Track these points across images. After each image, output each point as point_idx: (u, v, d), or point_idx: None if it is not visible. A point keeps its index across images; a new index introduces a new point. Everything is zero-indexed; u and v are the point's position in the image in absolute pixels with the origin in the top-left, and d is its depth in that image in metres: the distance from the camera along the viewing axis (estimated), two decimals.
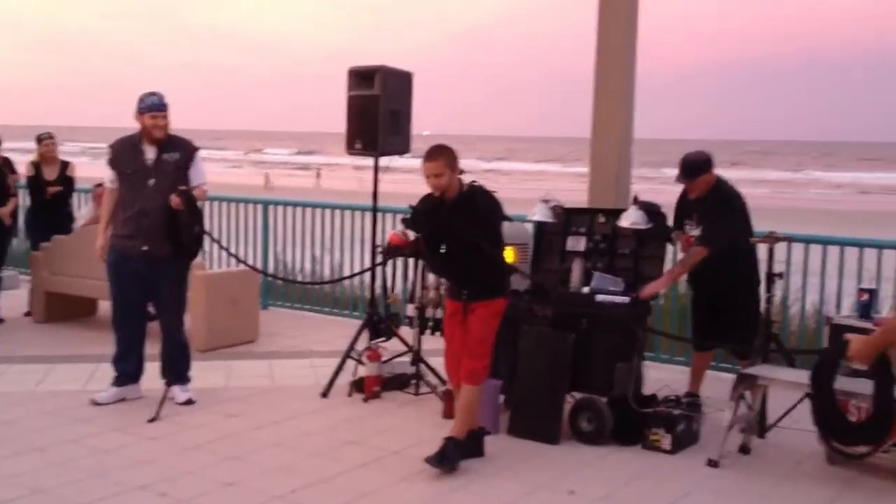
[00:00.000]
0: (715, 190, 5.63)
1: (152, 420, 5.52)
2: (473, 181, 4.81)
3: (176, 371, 5.96)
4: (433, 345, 6.72)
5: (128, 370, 5.95)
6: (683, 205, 5.80)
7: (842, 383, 4.47)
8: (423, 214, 4.83)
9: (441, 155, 4.70)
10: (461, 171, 4.78)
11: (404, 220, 6.40)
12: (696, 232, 5.64)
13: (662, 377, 6.11)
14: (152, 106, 5.68)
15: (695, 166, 5.59)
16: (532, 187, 36.32)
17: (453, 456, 4.71)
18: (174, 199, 5.57)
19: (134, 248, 5.70)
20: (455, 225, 4.65)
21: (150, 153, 5.73)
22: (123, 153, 5.80)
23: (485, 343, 4.84)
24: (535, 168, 62.24)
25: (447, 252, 4.81)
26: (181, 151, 5.80)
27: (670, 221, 5.86)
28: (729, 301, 5.60)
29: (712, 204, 5.56)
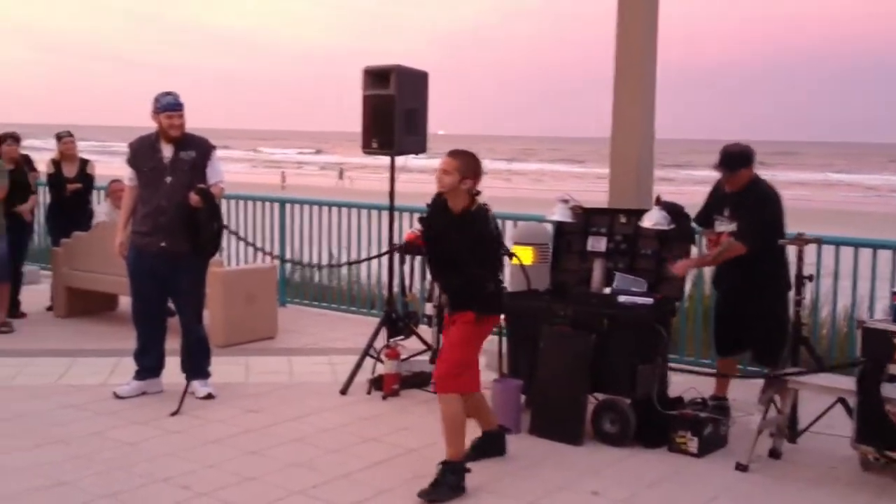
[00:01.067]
0: (754, 185, 5.53)
1: (174, 413, 5.53)
2: (484, 204, 4.60)
3: (196, 366, 5.97)
4: None
5: (149, 365, 5.97)
6: (716, 198, 5.70)
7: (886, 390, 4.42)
8: (429, 216, 4.76)
9: (460, 157, 4.56)
10: (476, 192, 4.56)
11: (421, 219, 6.40)
12: (726, 227, 5.56)
13: (689, 379, 6.06)
14: (168, 105, 5.74)
15: (737, 158, 5.48)
16: (546, 188, 36.38)
17: (447, 482, 4.38)
18: (192, 197, 5.62)
19: (152, 245, 5.73)
20: (449, 237, 4.56)
21: (167, 151, 5.79)
22: (141, 152, 5.85)
23: (453, 349, 4.60)
24: (549, 168, 62.20)
25: (437, 260, 4.75)
26: (197, 150, 5.85)
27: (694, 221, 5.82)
28: (756, 304, 5.48)
29: (754, 200, 5.45)
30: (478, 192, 4.56)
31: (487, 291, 4.57)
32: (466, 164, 4.52)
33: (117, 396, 5.83)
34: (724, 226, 5.57)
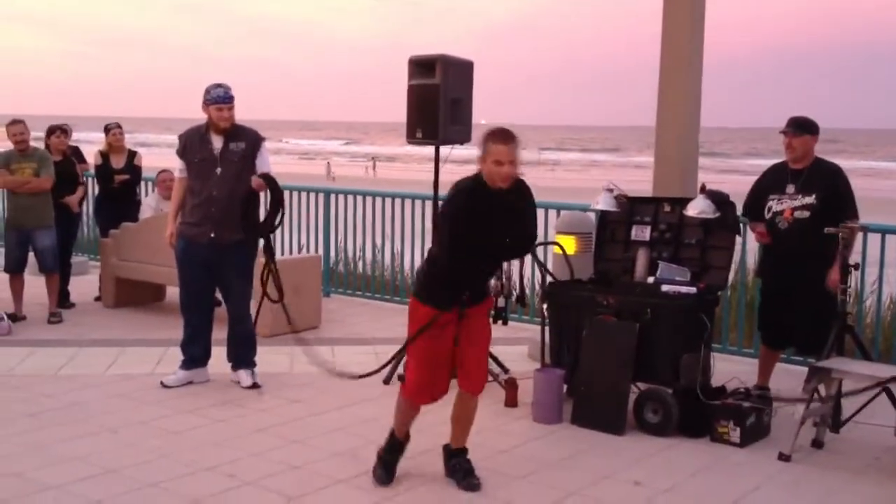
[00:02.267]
0: (823, 162, 5.55)
1: (252, 387, 5.88)
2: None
3: (242, 356, 6.06)
4: (495, 333, 6.69)
5: (195, 354, 6.06)
6: (773, 180, 5.64)
7: None
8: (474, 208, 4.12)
9: (516, 139, 4.08)
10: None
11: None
12: (786, 204, 5.49)
13: (731, 369, 6.01)
14: (218, 98, 5.80)
15: (803, 124, 5.52)
16: (589, 177, 36.19)
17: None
18: (256, 181, 5.68)
19: (202, 236, 5.81)
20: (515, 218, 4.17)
21: (217, 143, 5.84)
22: (191, 143, 5.90)
23: (487, 346, 4.53)
24: (592, 157, 61.80)
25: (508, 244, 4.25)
26: (247, 141, 5.89)
27: (740, 210, 5.75)
28: (815, 297, 5.37)
29: (833, 176, 5.45)
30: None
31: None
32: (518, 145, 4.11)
33: (164, 386, 5.92)
34: (788, 203, 5.49)
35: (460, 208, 4.12)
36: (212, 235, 5.80)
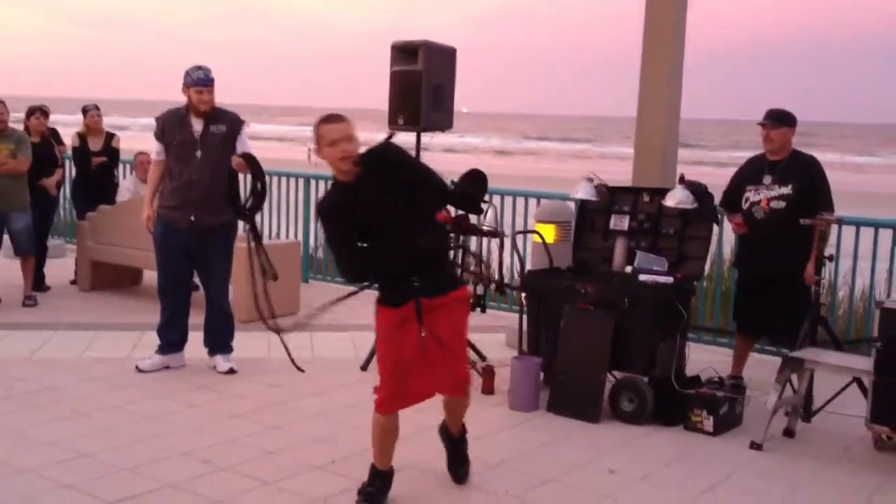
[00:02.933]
0: (800, 154, 5.61)
1: (229, 372, 5.88)
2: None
3: (219, 341, 6.04)
4: (473, 321, 6.70)
5: (172, 339, 6.03)
6: (750, 171, 5.70)
7: None
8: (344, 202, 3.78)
9: (344, 119, 3.76)
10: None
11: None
12: (762, 195, 5.53)
13: (706, 358, 6.04)
14: (198, 80, 5.75)
15: (782, 115, 5.56)
16: (568, 166, 36.23)
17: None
18: (236, 160, 5.59)
19: (182, 220, 5.77)
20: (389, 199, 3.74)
21: (197, 126, 5.80)
22: (170, 126, 5.85)
23: (463, 340, 4.13)
24: (570, 147, 61.92)
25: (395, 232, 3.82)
26: (227, 124, 5.85)
27: (718, 201, 5.79)
28: (791, 288, 5.41)
29: (809, 167, 5.52)
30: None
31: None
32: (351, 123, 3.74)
33: (140, 370, 5.89)
34: (764, 193, 5.54)
35: (326, 215, 3.84)
36: (192, 219, 5.76)
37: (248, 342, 6.56)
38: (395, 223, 3.76)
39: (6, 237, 7.86)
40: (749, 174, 5.70)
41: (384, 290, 3.94)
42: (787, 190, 5.46)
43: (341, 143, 3.69)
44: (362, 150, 3.76)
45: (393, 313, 3.87)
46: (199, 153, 5.75)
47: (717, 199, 5.86)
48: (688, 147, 51.07)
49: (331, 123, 3.72)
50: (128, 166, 9.65)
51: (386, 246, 3.79)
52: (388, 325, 3.89)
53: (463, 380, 4.04)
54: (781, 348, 5.99)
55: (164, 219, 5.87)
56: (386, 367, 3.92)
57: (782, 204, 5.46)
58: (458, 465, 4.33)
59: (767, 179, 5.55)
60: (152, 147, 6.03)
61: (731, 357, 5.99)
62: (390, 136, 4.10)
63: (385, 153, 3.80)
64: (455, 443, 4.35)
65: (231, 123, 5.86)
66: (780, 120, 5.54)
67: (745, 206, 5.62)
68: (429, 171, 3.91)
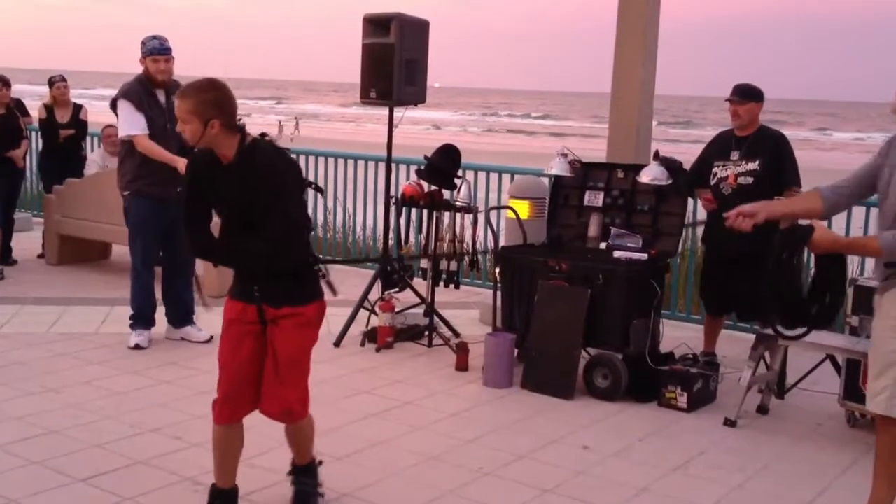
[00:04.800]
0: (767, 129, 5.62)
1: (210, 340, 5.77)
2: (264, 134, 3.53)
3: (189, 311, 6.06)
4: (447, 297, 6.69)
5: (150, 314, 5.98)
6: (718, 146, 5.69)
7: None
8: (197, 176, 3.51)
9: (190, 97, 3.32)
10: (240, 121, 3.44)
11: (418, 171, 6.35)
12: (730, 170, 5.52)
13: (680, 335, 6.06)
14: (153, 49, 5.69)
15: (749, 90, 5.55)
16: (543, 142, 36.29)
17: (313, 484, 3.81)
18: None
19: (169, 192, 5.56)
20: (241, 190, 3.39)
21: (161, 97, 5.74)
22: (144, 98, 5.74)
23: (302, 363, 3.61)
24: (547, 123, 61.94)
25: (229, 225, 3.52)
26: None
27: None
28: (754, 259, 5.44)
29: (776, 143, 5.53)
30: (242, 125, 3.44)
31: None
32: (202, 102, 3.30)
33: (139, 347, 5.81)
34: (732, 169, 5.53)
35: (189, 166, 3.59)
36: (179, 190, 5.67)
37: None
38: (235, 219, 3.45)
39: None
40: (717, 150, 5.70)
41: (234, 280, 3.60)
42: (754, 165, 5.47)
43: (182, 122, 3.33)
44: (253, 137, 3.42)
45: (234, 305, 3.52)
46: (169, 126, 5.64)
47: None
48: (665, 124, 51.32)
49: (178, 98, 3.35)
50: (95, 139, 9.51)
51: (223, 234, 3.51)
52: (229, 317, 3.54)
53: (287, 409, 3.54)
54: (749, 325, 6.02)
55: (150, 195, 5.74)
56: (220, 364, 3.54)
57: (750, 179, 5.46)
58: (303, 499, 3.74)
59: (735, 155, 5.55)
60: (133, 122, 5.72)
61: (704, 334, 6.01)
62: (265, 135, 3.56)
63: (266, 158, 3.38)
64: (298, 474, 3.78)
65: None
66: (746, 95, 5.54)
67: (712, 181, 5.62)
68: (289, 198, 3.39)
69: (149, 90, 5.73)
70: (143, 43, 5.73)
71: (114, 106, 5.80)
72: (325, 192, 4.71)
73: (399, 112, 6.41)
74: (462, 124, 57.58)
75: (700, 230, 6.43)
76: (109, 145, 8.48)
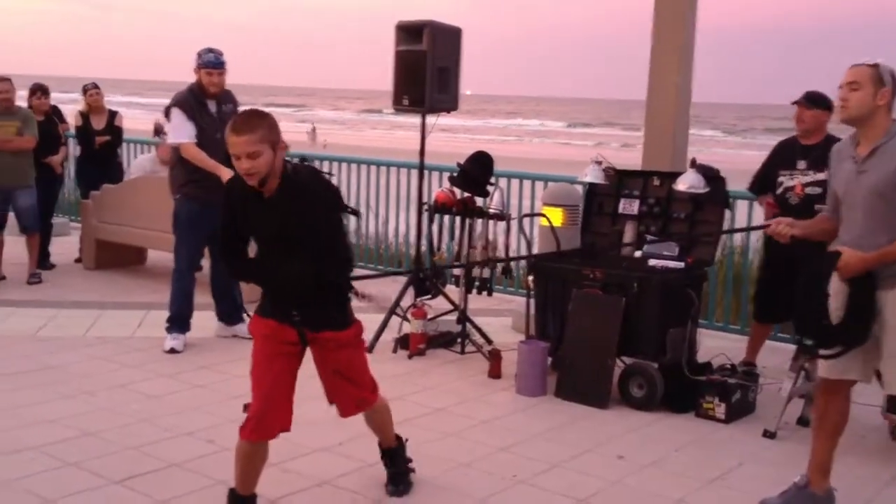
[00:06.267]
0: (833, 139, 5.44)
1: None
2: (304, 159, 3.57)
3: (240, 307, 6.21)
4: (479, 304, 6.67)
5: (188, 317, 6.05)
6: (783, 156, 5.58)
7: None
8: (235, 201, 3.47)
9: (256, 127, 3.26)
10: (285, 146, 3.41)
11: (451, 178, 6.33)
12: (797, 180, 5.41)
13: (718, 345, 5.97)
14: (208, 63, 5.86)
15: (817, 97, 5.42)
16: (578, 149, 36.20)
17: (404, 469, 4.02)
18: None
19: (217, 197, 5.66)
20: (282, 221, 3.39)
21: (212, 107, 5.94)
22: (195, 108, 5.90)
23: (363, 371, 3.74)
24: (579, 130, 61.79)
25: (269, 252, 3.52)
26: (233, 102, 6.05)
27: (739, 185, 5.70)
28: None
29: None
30: (286, 147, 3.44)
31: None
32: (269, 128, 3.29)
33: (175, 351, 5.86)
34: (799, 178, 5.41)
35: (227, 190, 3.53)
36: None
37: None
38: (276, 244, 3.43)
39: (11, 215, 7.82)
40: (782, 159, 5.59)
41: (266, 298, 3.58)
42: (822, 175, 5.34)
43: (242, 159, 3.25)
44: (288, 162, 3.41)
45: (266, 323, 3.52)
46: (219, 134, 5.76)
47: (744, 184, 5.79)
48: (701, 131, 50.92)
49: (233, 135, 3.26)
50: (132, 145, 9.61)
51: (260, 258, 3.53)
52: (262, 333, 3.54)
53: (361, 398, 3.72)
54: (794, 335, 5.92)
55: (197, 198, 5.85)
56: (256, 383, 3.53)
57: (818, 190, 5.34)
58: (393, 481, 3.94)
59: (801, 164, 5.44)
60: (182, 130, 5.87)
61: (743, 344, 5.92)
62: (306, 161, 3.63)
63: (309, 188, 3.36)
64: (387, 457, 3.99)
65: (234, 101, 6.07)
66: (814, 102, 5.40)
67: (778, 191, 5.54)
68: (336, 229, 3.46)
69: (200, 100, 5.91)
70: (199, 55, 5.89)
71: (167, 113, 6.03)
72: (359, 211, 4.66)
73: (431, 119, 6.41)
74: (494, 130, 57.59)
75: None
76: (164, 153, 8.58)
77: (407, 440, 4.08)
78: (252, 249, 3.63)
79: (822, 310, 3.72)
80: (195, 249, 6.08)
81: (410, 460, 4.05)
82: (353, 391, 3.69)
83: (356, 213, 3.85)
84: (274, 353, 3.50)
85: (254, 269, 3.58)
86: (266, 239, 3.47)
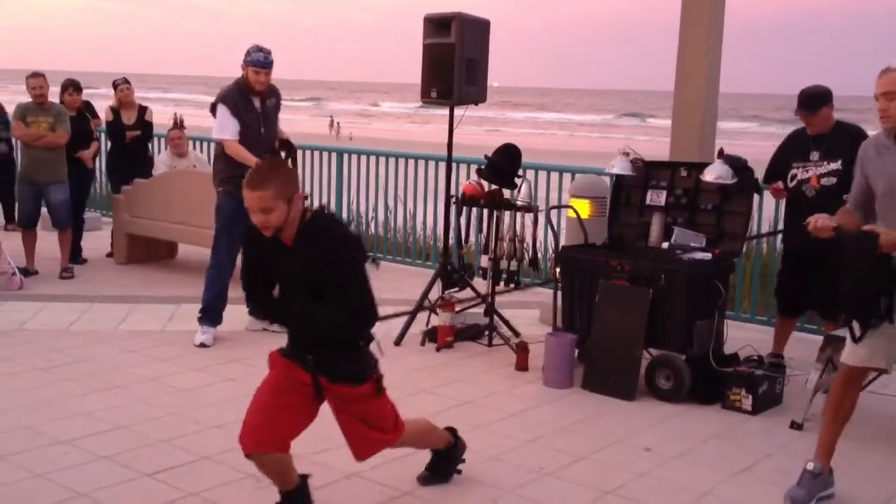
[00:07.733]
0: (842, 125, 5.41)
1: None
2: (323, 207, 3.51)
3: None
4: (507, 297, 6.68)
5: (220, 310, 6.12)
6: (794, 147, 5.54)
7: None
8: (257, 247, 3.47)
9: (271, 182, 3.23)
10: (302, 197, 3.37)
11: (479, 171, 6.34)
12: (811, 172, 5.36)
13: (745, 336, 5.94)
14: (256, 61, 5.96)
15: (816, 98, 5.36)
16: (605, 140, 36.04)
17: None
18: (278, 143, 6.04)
19: None
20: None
21: (256, 103, 6.05)
22: (240, 104, 5.99)
23: (384, 415, 3.60)
24: (609, 120, 61.50)
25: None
26: (275, 96, 6.21)
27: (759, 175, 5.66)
28: (833, 258, 5.31)
29: (855, 139, 5.09)
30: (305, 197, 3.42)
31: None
32: (283, 183, 3.26)
33: (203, 346, 5.92)
34: (813, 170, 5.37)
35: (251, 232, 3.45)
36: None
37: None
38: (297, 289, 3.41)
39: (44, 209, 7.93)
40: (793, 150, 5.54)
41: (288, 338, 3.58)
42: (836, 165, 5.30)
43: (256, 213, 3.26)
44: (307, 211, 3.37)
45: (283, 361, 3.54)
46: (262, 129, 6.04)
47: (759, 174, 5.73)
48: (730, 121, 50.43)
49: (248, 190, 3.24)
50: (162, 140, 9.69)
51: (282, 300, 3.51)
52: (278, 366, 3.55)
53: (380, 445, 3.62)
54: (820, 326, 5.88)
55: (237, 195, 5.85)
56: (255, 400, 3.54)
57: (833, 180, 5.30)
58: (431, 470, 4.00)
59: (814, 156, 5.39)
60: (226, 126, 5.96)
61: (770, 335, 5.88)
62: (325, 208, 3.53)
63: (330, 240, 3.32)
64: (435, 459, 4.02)
65: (277, 95, 6.21)
66: (814, 104, 5.35)
67: (792, 184, 5.49)
68: (356, 275, 3.40)
69: (245, 96, 6.00)
70: (248, 52, 5.97)
71: (213, 109, 6.09)
72: (378, 260, 4.44)
73: (459, 111, 6.42)
74: (521, 122, 57.44)
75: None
76: (175, 147, 8.68)
77: (454, 431, 4.00)
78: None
79: (874, 288, 3.78)
80: (233, 244, 6.03)
81: (463, 461, 4.02)
82: (370, 434, 3.57)
83: (375, 260, 3.70)
84: (284, 388, 3.49)
85: (277, 306, 3.54)
86: (287, 284, 3.46)
